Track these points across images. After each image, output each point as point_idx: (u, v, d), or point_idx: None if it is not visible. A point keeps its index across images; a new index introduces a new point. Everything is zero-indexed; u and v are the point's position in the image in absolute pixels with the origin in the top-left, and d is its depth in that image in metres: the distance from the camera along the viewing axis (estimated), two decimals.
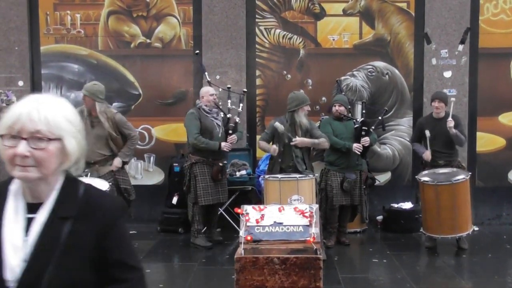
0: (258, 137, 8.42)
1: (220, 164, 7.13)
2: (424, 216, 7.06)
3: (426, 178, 6.91)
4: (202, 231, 7.33)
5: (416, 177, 7.16)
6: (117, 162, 6.72)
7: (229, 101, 7.47)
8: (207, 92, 7.26)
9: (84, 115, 6.59)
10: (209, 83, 7.62)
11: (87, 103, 6.69)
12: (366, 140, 7.15)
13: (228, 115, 7.29)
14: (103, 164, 6.70)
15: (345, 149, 7.12)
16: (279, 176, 6.68)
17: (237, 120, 7.30)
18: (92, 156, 6.54)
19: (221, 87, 7.97)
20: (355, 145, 7.11)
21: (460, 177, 6.81)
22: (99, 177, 6.55)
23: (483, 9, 8.35)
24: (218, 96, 7.57)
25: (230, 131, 7.13)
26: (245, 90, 7.85)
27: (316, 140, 6.93)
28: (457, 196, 6.77)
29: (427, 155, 7.08)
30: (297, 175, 6.67)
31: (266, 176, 6.81)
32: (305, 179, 6.61)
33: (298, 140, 6.81)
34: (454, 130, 6.93)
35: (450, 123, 6.90)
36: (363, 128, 7.15)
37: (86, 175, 6.47)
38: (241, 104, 7.54)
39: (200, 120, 7.09)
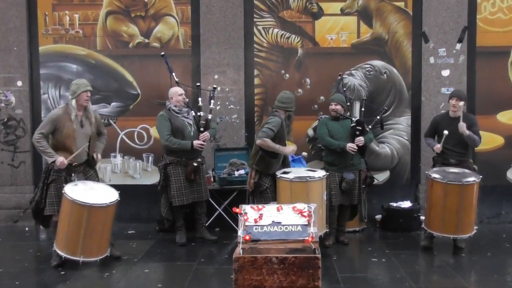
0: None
1: (194, 164, 7.13)
2: (428, 212, 7.04)
3: (436, 175, 6.89)
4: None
5: (426, 172, 7.16)
6: (100, 156, 6.74)
7: (200, 99, 7.40)
8: (176, 92, 7.26)
9: (74, 115, 6.50)
10: (178, 84, 7.51)
11: (86, 101, 6.53)
12: (360, 140, 7.15)
13: (200, 113, 7.23)
14: (86, 165, 6.65)
15: (340, 149, 7.13)
16: (321, 175, 6.83)
17: (208, 117, 7.28)
18: (83, 156, 6.58)
19: (190, 86, 8.02)
20: (349, 145, 7.11)
21: (471, 179, 6.79)
22: (86, 178, 6.58)
23: (481, 8, 8.35)
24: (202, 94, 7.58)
25: (202, 129, 7.15)
26: (215, 86, 7.72)
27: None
28: (465, 197, 6.74)
29: (437, 147, 7.13)
30: (322, 173, 6.91)
31: (306, 177, 6.74)
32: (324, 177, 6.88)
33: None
34: (467, 132, 6.95)
35: (462, 127, 6.93)
36: (357, 128, 7.15)
37: (74, 180, 6.49)
38: (212, 101, 7.48)
39: (170, 121, 7.12)
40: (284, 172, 6.89)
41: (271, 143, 6.81)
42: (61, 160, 6.36)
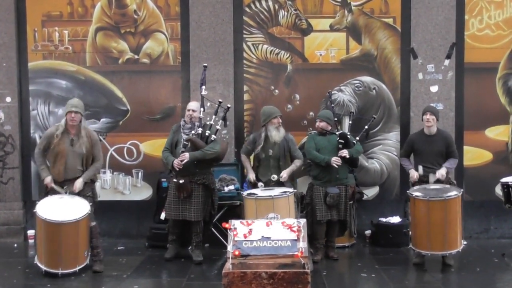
0: None
1: (180, 181, 7.01)
2: (414, 231, 7.01)
3: (417, 193, 6.87)
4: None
5: (407, 192, 7.13)
6: (80, 184, 6.67)
7: (214, 116, 7.34)
8: (187, 107, 7.30)
9: (63, 134, 6.69)
10: (202, 98, 7.36)
11: (76, 120, 6.67)
12: (343, 152, 7.18)
13: (193, 132, 7.09)
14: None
15: (324, 163, 7.15)
16: (258, 194, 6.82)
17: (212, 138, 7.12)
18: (73, 173, 6.73)
19: (212, 102, 7.93)
20: (333, 158, 7.13)
21: (452, 193, 6.79)
22: (78, 193, 6.68)
23: (468, 24, 8.44)
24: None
25: (183, 149, 7.04)
26: (229, 106, 7.63)
27: (294, 167, 7.28)
28: (448, 212, 6.73)
29: (412, 175, 7.16)
30: (273, 194, 6.81)
31: (244, 194, 7.00)
32: (281, 197, 6.75)
33: (285, 175, 7.15)
34: (444, 176, 7.06)
35: (440, 173, 7.03)
36: (340, 141, 7.18)
37: (66, 192, 6.67)
38: (220, 121, 7.38)
39: (174, 135, 7.19)
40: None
41: (243, 158, 7.53)
42: (47, 181, 6.71)
